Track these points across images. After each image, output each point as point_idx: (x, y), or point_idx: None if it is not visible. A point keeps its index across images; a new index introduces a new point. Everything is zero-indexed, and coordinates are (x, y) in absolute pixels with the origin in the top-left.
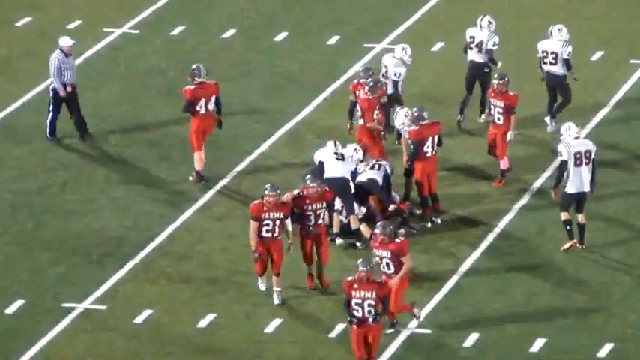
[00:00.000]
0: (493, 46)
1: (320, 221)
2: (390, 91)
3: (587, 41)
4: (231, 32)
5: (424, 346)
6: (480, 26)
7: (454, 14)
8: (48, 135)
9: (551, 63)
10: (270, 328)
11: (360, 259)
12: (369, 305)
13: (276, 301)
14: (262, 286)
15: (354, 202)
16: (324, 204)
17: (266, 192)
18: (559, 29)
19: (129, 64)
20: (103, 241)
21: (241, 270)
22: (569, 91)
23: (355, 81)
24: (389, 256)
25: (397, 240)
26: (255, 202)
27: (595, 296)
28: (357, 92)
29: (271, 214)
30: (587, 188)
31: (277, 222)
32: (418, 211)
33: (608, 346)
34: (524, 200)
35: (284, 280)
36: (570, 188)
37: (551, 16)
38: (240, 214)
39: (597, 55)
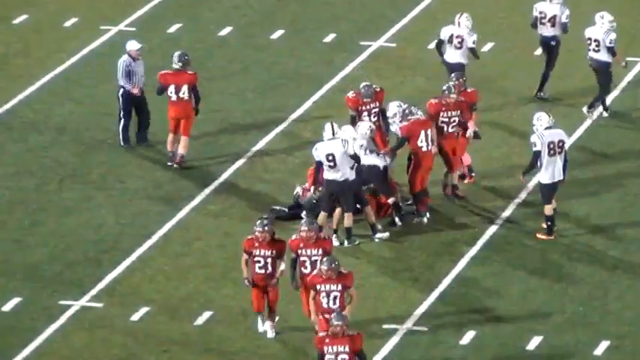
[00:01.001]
0: (566, 18)
1: (316, 271)
2: (465, 61)
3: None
4: (227, 29)
5: (420, 343)
6: (550, 0)
7: (450, 11)
8: (121, 142)
9: (594, 50)
10: (266, 326)
11: (334, 314)
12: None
13: (269, 334)
14: (260, 326)
15: (353, 202)
16: (320, 251)
17: (255, 227)
18: (601, 16)
19: None
20: (99, 238)
21: (238, 267)
22: (609, 80)
23: (352, 94)
24: (338, 289)
25: (343, 272)
26: (249, 236)
27: (592, 294)
28: (360, 108)
29: (262, 251)
30: (560, 176)
31: (269, 259)
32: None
33: (604, 344)
34: (522, 197)
35: None
36: (545, 178)
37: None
38: (236, 211)
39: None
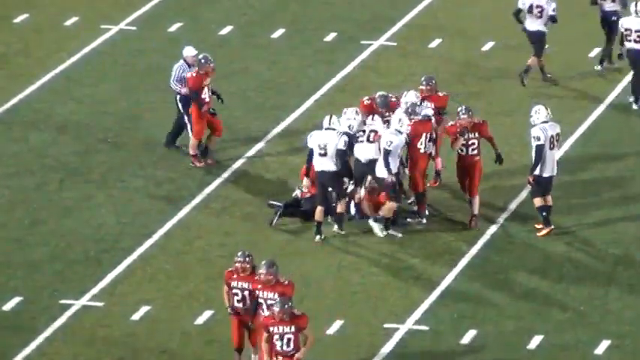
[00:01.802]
0: None
1: (269, 312)
2: (545, 29)
3: (584, 39)
4: (228, 29)
5: (421, 343)
6: None
7: (451, 10)
8: (168, 145)
9: (635, 41)
10: None
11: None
12: None
13: None
14: None
15: (343, 189)
16: (276, 295)
17: (236, 258)
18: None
19: (126, 60)
20: (100, 237)
21: None
22: None
23: (367, 100)
24: (292, 330)
25: (297, 313)
26: (230, 268)
27: (592, 293)
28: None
29: (240, 284)
30: (556, 171)
31: (246, 293)
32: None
33: (605, 343)
34: (523, 196)
35: None
36: (545, 172)
37: None
38: (237, 210)
39: (595, 52)
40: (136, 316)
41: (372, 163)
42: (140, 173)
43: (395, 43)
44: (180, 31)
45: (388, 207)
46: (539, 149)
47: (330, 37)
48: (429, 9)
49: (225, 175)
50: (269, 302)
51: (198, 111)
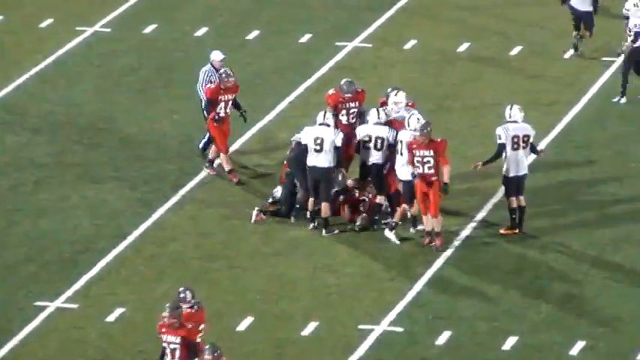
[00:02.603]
0: None
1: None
2: (591, 9)
3: (557, 40)
4: (203, 30)
5: (396, 344)
6: None
7: (426, 12)
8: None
9: None
10: (242, 327)
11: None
12: None
13: None
14: None
15: (331, 192)
16: (179, 339)
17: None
18: (634, 4)
19: (101, 62)
20: (75, 239)
21: (214, 268)
22: None
23: (332, 91)
24: (178, 342)
25: (188, 326)
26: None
27: (567, 294)
28: (340, 106)
29: (167, 337)
30: (525, 171)
31: (176, 348)
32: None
33: (580, 344)
34: (497, 197)
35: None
36: (508, 172)
37: None
38: (213, 212)
39: (569, 53)
40: (110, 318)
41: (378, 166)
42: (115, 175)
43: (370, 45)
44: (155, 32)
45: (400, 210)
46: (499, 147)
47: (305, 38)
48: (404, 10)
49: (200, 176)
50: (172, 347)
51: (212, 122)
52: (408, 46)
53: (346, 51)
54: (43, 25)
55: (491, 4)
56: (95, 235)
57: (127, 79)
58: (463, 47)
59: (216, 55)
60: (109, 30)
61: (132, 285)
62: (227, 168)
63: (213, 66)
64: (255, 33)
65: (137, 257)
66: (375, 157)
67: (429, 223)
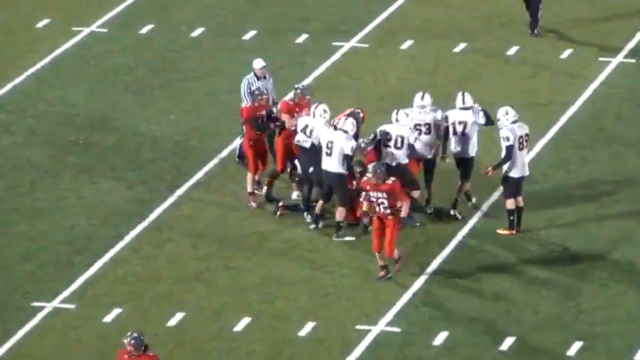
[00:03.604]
0: None
1: None
2: None
3: (554, 40)
4: (199, 30)
5: (393, 344)
6: None
7: (422, 12)
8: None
9: None
10: (239, 327)
11: None
12: None
13: None
14: None
15: (345, 197)
16: None
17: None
18: None
19: (97, 62)
20: (71, 239)
21: (210, 268)
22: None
23: (288, 98)
24: None
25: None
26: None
27: (565, 294)
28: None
29: None
30: (527, 172)
31: None
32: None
33: (577, 344)
34: (494, 197)
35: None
36: (514, 173)
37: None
38: (209, 212)
39: (566, 53)
40: (107, 319)
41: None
42: (111, 175)
43: (366, 45)
44: (152, 32)
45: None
46: (509, 149)
47: (302, 38)
48: (401, 10)
49: (197, 177)
50: None
51: (248, 143)
52: (405, 46)
53: (343, 51)
54: (40, 25)
55: (487, 4)
56: (92, 235)
57: (123, 79)
58: (459, 47)
59: (258, 63)
60: (105, 30)
61: (128, 285)
62: (249, 189)
63: (255, 74)
64: (251, 33)
65: (134, 257)
66: (399, 157)
67: (383, 258)
